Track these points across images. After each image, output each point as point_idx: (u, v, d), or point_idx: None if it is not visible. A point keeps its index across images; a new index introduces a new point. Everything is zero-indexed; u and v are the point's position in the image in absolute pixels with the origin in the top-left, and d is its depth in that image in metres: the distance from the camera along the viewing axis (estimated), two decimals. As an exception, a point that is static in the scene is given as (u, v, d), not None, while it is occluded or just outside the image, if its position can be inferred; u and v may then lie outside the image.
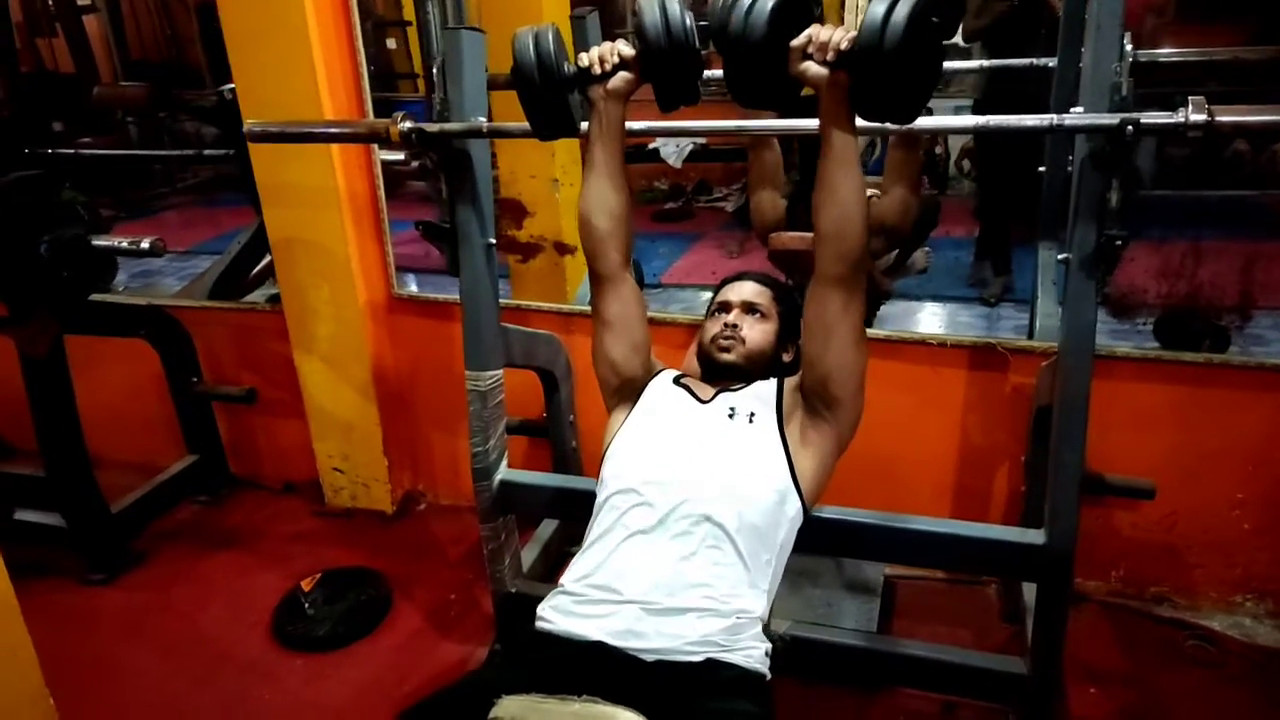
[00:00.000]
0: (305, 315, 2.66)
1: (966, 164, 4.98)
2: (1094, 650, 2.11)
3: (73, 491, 2.51)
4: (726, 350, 1.68)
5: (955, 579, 2.36)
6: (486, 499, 2.04)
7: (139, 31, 6.80)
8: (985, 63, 3.41)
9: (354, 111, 2.47)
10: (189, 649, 2.29)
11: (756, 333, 1.71)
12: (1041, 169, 2.38)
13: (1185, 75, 2.74)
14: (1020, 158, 3.10)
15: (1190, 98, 1.33)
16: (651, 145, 5.14)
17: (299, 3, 2.27)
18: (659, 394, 1.66)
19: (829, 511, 1.81)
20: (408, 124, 1.81)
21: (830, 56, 1.30)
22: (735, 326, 1.70)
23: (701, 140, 5.10)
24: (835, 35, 1.29)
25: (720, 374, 1.68)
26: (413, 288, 2.82)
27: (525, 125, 1.77)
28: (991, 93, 3.40)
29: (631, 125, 1.60)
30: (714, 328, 1.72)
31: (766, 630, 1.40)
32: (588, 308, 2.53)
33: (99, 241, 2.26)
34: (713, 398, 1.61)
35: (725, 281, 1.84)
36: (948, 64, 2.04)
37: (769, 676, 1.34)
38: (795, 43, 1.32)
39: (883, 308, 2.88)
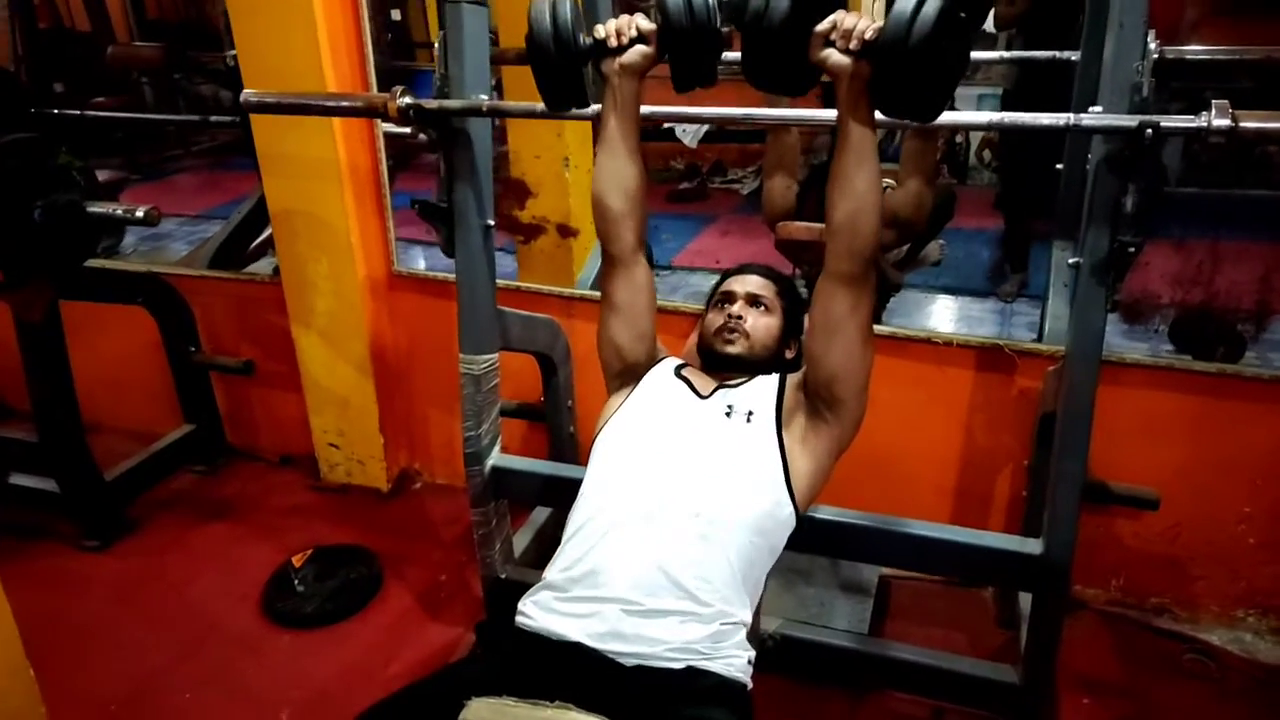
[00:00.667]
0: (304, 289, 2.64)
1: (987, 154, 4.90)
2: (1090, 659, 2.08)
3: (65, 458, 2.50)
4: (730, 342, 1.64)
5: (951, 581, 2.32)
6: (478, 484, 2.02)
7: (156, -11, 6.75)
8: (1005, 54, 3.32)
9: (357, 83, 2.42)
10: (177, 620, 2.28)
11: (760, 326, 1.67)
12: (1059, 165, 2.31)
13: (1221, 71, 2.63)
14: (1042, 151, 3.02)
15: (1214, 101, 1.28)
16: (667, 124, 5.07)
17: (302, -31, 2.23)
18: (658, 384, 1.62)
19: (824, 512, 1.78)
20: (406, 99, 1.77)
21: (854, 45, 1.25)
22: (739, 319, 1.66)
23: (717, 120, 5.02)
24: (861, 23, 1.24)
25: (722, 365, 1.65)
26: (420, 264, 2.78)
27: (527, 105, 1.73)
28: (1024, 84, 3.31)
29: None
30: (717, 319, 1.68)
31: (752, 633, 1.37)
32: (590, 292, 2.53)
33: (93, 208, 2.24)
34: (711, 393, 1.57)
35: (729, 272, 1.80)
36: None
37: (750, 686, 1.31)
38: (819, 28, 1.27)
39: (892, 300, 2.84)
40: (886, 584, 2.28)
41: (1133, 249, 1.47)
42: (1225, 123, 1.27)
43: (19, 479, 2.61)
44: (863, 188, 1.33)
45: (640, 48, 1.44)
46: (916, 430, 2.26)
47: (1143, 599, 2.22)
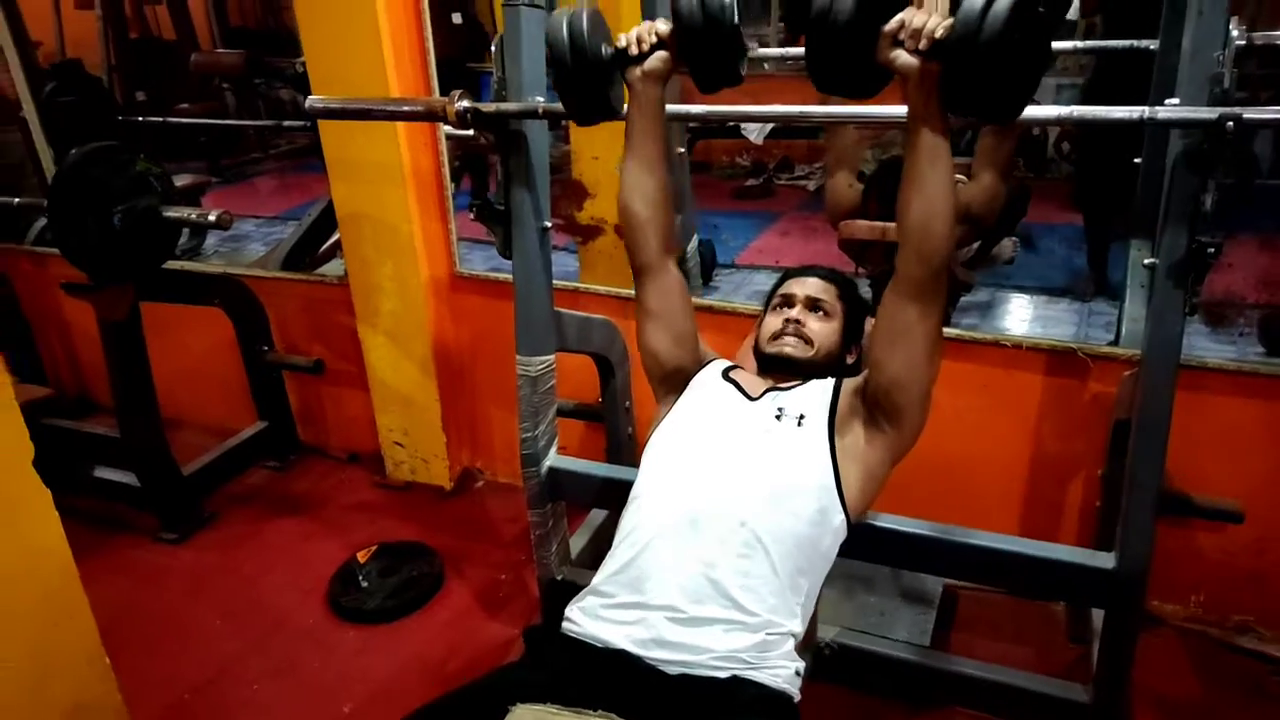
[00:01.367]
0: (369, 290, 2.69)
1: (1065, 146, 4.72)
2: (1166, 679, 1.99)
3: (145, 453, 2.60)
4: (789, 346, 1.62)
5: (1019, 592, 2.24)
6: (534, 485, 2.03)
7: (239, -2, 6.98)
8: (1080, 44, 3.19)
9: (420, 87, 2.46)
10: (248, 612, 2.35)
11: (820, 331, 1.64)
12: (1137, 160, 2.21)
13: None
14: (1120, 145, 2.89)
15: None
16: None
17: (368, -21, 2.26)
18: (705, 387, 1.60)
19: (883, 520, 1.73)
20: (464, 103, 1.78)
21: (923, 45, 1.20)
22: (798, 323, 1.63)
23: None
24: (931, 22, 1.19)
25: (778, 369, 1.62)
26: (478, 266, 2.81)
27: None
28: (1103, 74, 3.17)
29: (691, 109, 1.52)
30: (775, 323, 1.66)
31: (809, 642, 1.34)
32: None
33: (169, 213, 2.32)
34: (762, 395, 1.55)
35: (788, 274, 1.77)
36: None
37: (797, 698, 1.28)
38: (887, 27, 1.23)
39: (963, 298, 2.75)
40: (951, 594, 2.22)
41: (1212, 250, 1.39)
42: (1315, 114, 1.20)
43: (102, 472, 2.72)
44: (936, 191, 1.28)
45: (661, 53, 1.43)
46: (983, 436, 2.19)
47: (1224, 616, 2.11)
